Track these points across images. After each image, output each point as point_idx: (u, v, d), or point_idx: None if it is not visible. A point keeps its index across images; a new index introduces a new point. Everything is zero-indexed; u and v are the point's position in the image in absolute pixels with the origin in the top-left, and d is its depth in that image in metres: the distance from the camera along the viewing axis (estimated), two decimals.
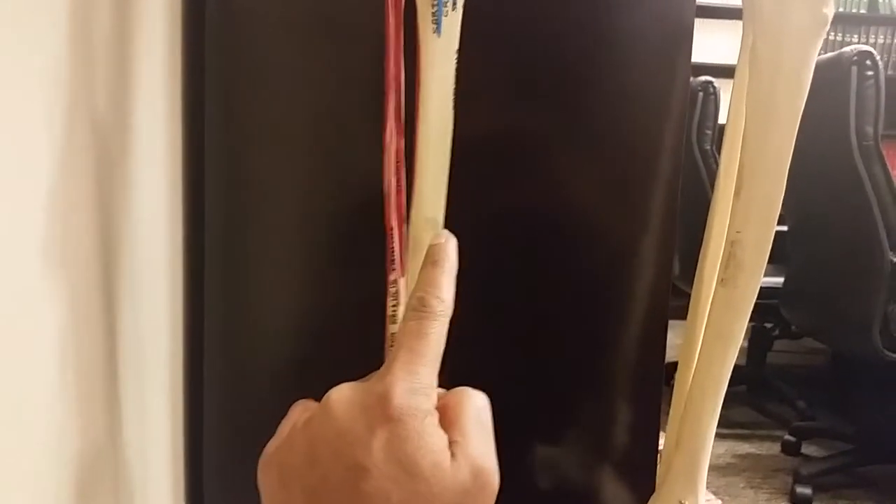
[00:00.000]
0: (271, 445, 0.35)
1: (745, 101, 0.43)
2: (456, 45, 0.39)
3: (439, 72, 0.38)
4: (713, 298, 0.43)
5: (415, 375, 0.33)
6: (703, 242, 0.47)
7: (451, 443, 0.32)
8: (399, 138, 0.41)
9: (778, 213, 0.42)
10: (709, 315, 0.43)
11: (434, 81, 0.38)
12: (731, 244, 0.43)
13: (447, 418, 0.33)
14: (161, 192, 0.55)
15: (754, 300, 0.43)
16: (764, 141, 0.41)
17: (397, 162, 0.42)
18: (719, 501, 0.96)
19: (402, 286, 0.42)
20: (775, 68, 0.40)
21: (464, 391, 0.35)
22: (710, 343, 0.43)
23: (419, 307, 0.35)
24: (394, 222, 0.42)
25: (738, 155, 0.43)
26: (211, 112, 0.58)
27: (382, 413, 0.32)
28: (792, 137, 0.41)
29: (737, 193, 0.43)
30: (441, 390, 0.36)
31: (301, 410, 0.35)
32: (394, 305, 0.43)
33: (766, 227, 0.42)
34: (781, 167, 0.41)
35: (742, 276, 0.42)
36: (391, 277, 0.43)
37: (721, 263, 0.43)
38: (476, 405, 0.35)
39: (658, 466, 0.55)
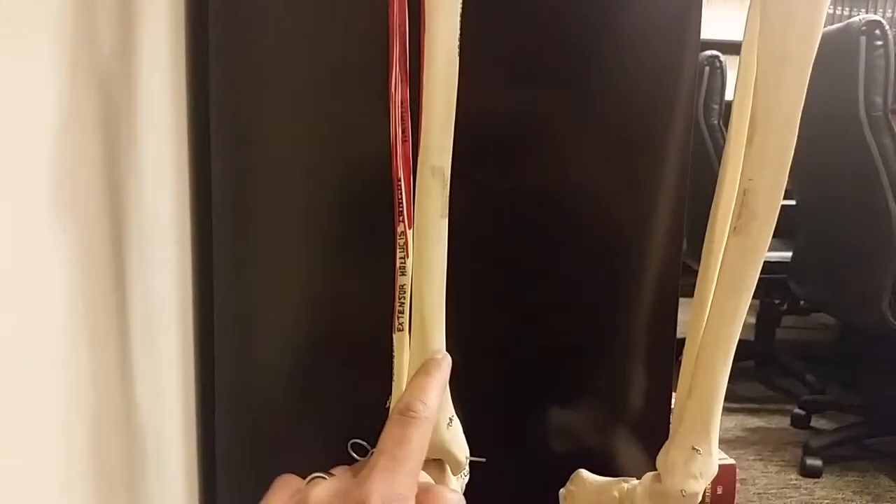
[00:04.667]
0: None
1: (755, 48, 0.42)
2: None
3: (444, 16, 0.37)
4: (725, 248, 0.43)
5: (393, 484, 0.34)
6: (716, 192, 0.46)
7: None
8: (404, 87, 0.40)
9: (790, 160, 0.41)
10: (721, 264, 0.43)
11: (439, 27, 0.37)
12: (744, 192, 0.42)
13: None
14: (166, 159, 0.54)
15: (767, 248, 0.42)
16: (776, 87, 0.41)
17: (402, 112, 0.41)
18: (733, 461, 0.96)
19: (410, 238, 0.42)
20: (787, 10, 0.39)
21: (440, 492, 0.36)
22: (722, 292, 0.43)
23: (405, 411, 0.36)
24: (401, 173, 0.42)
25: (750, 104, 0.43)
26: (215, 67, 0.58)
27: None
28: (804, 82, 0.40)
29: (749, 141, 0.42)
30: (423, 480, 0.38)
31: (285, 498, 0.35)
32: (402, 257, 0.43)
33: (778, 174, 0.42)
34: (794, 113, 0.41)
35: (755, 224, 0.42)
36: (399, 229, 0.42)
37: (734, 212, 0.43)
38: None
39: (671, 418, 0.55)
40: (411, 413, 0.36)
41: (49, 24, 0.35)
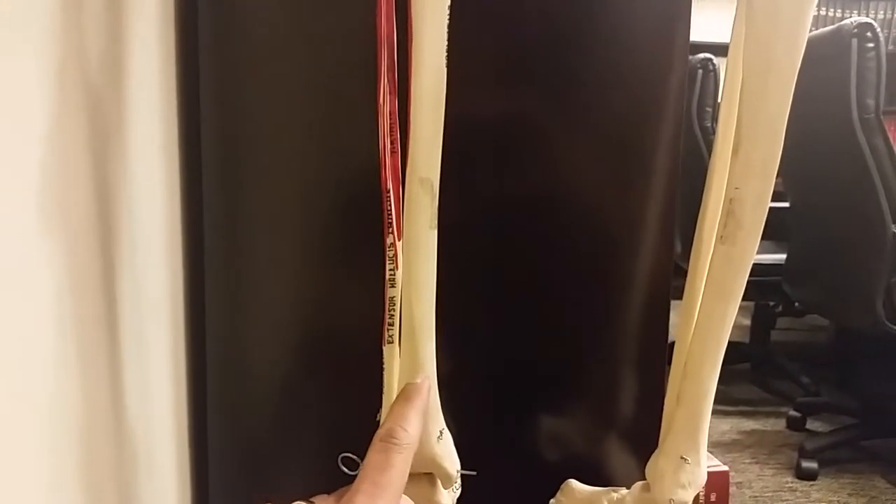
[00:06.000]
0: None
1: (741, 56, 0.42)
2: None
3: (431, 26, 0.37)
4: (712, 256, 0.43)
5: None
6: (703, 201, 0.46)
7: None
8: (392, 98, 0.40)
9: (776, 169, 0.42)
10: (708, 273, 0.43)
11: (426, 37, 0.37)
12: (730, 201, 0.42)
13: None
14: (157, 167, 0.54)
15: (754, 257, 0.42)
16: (762, 94, 0.41)
17: (391, 123, 0.41)
18: (726, 468, 0.97)
19: (399, 249, 0.42)
20: (773, 18, 0.39)
21: None
22: (710, 300, 0.43)
23: (387, 438, 0.37)
24: (390, 184, 0.42)
25: (736, 112, 0.43)
26: (205, 75, 0.58)
27: None
28: (790, 90, 0.41)
29: (735, 150, 0.42)
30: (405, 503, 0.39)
31: None
32: (391, 269, 0.43)
33: (764, 183, 0.42)
34: (780, 121, 0.41)
35: (741, 233, 0.42)
36: (388, 241, 0.42)
37: (720, 221, 0.43)
38: None
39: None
40: (393, 440, 0.37)
41: (37, 31, 0.35)
